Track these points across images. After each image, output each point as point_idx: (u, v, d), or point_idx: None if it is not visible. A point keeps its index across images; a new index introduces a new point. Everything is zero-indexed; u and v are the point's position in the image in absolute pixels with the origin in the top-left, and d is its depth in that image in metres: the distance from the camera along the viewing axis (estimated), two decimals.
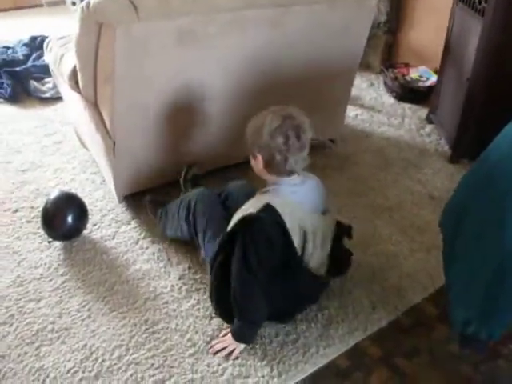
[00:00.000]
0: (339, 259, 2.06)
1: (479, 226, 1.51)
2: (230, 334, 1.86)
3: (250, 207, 1.82)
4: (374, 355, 1.91)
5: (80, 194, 2.48)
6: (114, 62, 2.04)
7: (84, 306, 2.05)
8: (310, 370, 1.84)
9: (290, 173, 1.85)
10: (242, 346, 1.86)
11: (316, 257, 1.91)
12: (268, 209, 1.76)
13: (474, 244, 1.54)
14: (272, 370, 1.81)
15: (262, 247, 1.75)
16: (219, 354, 1.85)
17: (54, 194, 2.33)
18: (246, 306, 1.81)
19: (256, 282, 1.77)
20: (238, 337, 1.85)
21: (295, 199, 1.84)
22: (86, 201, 2.43)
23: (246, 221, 1.77)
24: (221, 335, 1.91)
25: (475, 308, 1.55)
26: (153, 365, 1.83)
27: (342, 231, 2.05)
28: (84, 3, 2.00)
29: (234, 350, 1.85)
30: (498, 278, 1.46)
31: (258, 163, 1.87)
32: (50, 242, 2.34)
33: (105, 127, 2.31)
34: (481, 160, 1.61)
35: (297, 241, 1.82)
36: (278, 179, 1.87)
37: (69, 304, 2.06)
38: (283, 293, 1.88)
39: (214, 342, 1.89)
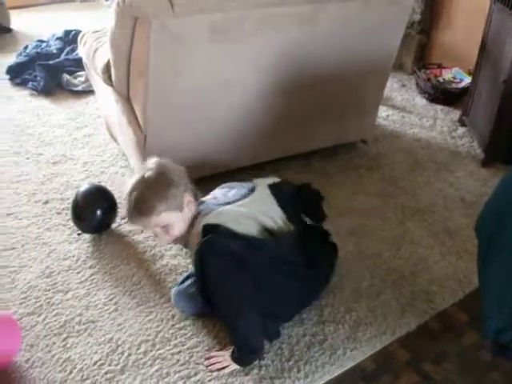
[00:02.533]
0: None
1: None
2: (228, 352, 1.81)
3: (192, 247, 1.82)
4: (402, 359, 1.88)
5: (109, 188, 2.48)
6: (148, 57, 2.05)
7: (111, 300, 2.06)
8: (336, 372, 1.81)
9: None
10: (236, 366, 1.79)
11: (279, 224, 1.91)
12: (207, 230, 1.75)
13: None
14: (299, 370, 1.79)
15: (230, 264, 1.68)
16: (211, 367, 1.79)
17: (84, 187, 2.34)
18: (244, 337, 1.77)
19: (248, 305, 1.73)
20: (236, 360, 1.78)
21: (221, 202, 1.91)
22: (115, 194, 2.44)
23: (199, 254, 1.71)
24: (220, 352, 1.84)
25: (511, 316, 1.51)
26: (178, 361, 1.82)
27: (280, 189, 2.01)
28: None
29: (226, 366, 1.79)
30: None
31: (191, 207, 1.90)
32: (79, 235, 2.35)
33: (136, 121, 2.32)
34: None
35: (257, 231, 1.83)
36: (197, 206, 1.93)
37: (96, 297, 2.07)
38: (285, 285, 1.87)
39: (212, 354, 1.83)
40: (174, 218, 1.85)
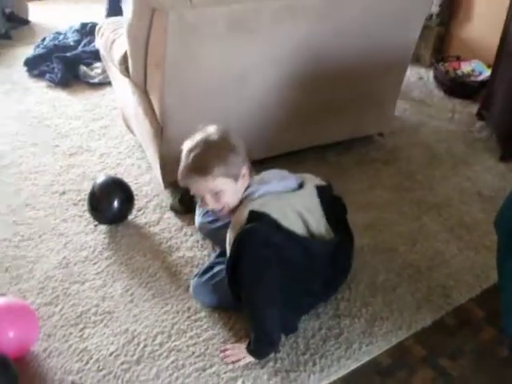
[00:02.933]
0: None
1: None
2: (243, 344, 1.81)
3: (233, 228, 1.76)
4: (418, 355, 1.87)
5: (125, 179, 2.49)
6: (165, 48, 2.04)
7: (127, 291, 2.07)
8: (352, 366, 1.81)
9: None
10: (252, 358, 1.79)
11: (320, 228, 1.88)
12: (253, 216, 1.70)
13: None
14: (314, 364, 1.79)
15: (269, 258, 1.67)
16: (227, 359, 1.80)
17: (100, 179, 2.35)
18: (265, 328, 1.76)
19: (275, 298, 1.72)
20: (252, 352, 1.78)
21: (271, 190, 1.83)
22: (132, 186, 2.45)
23: (240, 240, 1.68)
24: (236, 344, 1.84)
25: None
26: (194, 353, 1.83)
27: (325, 194, 1.97)
28: None
29: (242, 358, 1.79)
30: None
31: (245, 181, 1.85)
32: (95, 226, 2.37)
33: (153, 112, 2.32)
34: None
35: (300, 228, 1.80)
36: (247, 186, 1.86)
37: (112, 288, 2.08)
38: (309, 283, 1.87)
39: (227, 346, 1.84)
40: (229, 186, 1.78)
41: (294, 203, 1.81)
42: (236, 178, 1.79)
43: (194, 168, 1.77)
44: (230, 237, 1.77)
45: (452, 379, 1.79)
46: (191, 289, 2.02)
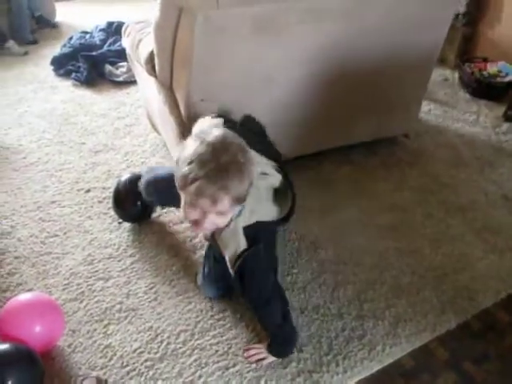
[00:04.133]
0: None
1: None
2: (265, 344, 1.81)
3: (229, 246, 1.63)
4: (441, 358, 1.86)
5: None
6: (191, 48, 2.05)
7: (151, 289, 2.08)
8: (375, 367, 1.80)
9: None
10: (274, 358, 1.81)
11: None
12: (249, 233, 1.61)
13: None
14: (337, 365, 1.79)
15: (270, 270, 1.73)
16: (250, 359, 1.81)
17: (125, 177, 2.37)
18: (282, 330, 1.79)
19: (284, 300, 1.78)
20: (271, 352, 1.80)
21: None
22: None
23: (246, 269, 1.61)
24: (258, 345, 1.85)
25: None
26: (217, 351, 1.84)
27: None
28: None
29: (264, 358, 1.81)
30: None
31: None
32: (119, 223, 2.39)
33: (178, 111, 2.33)
34: None
35: (274, 210, 1.68)
36: None
37: (136, 285, 2.10)
38: None
39: (250, 346, 1.85)
40: (234, 208, 1.52)
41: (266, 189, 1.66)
42: (242, 201, 1.53)
43: (212, 184, 1.42)
44: (227, 255, 1.63)
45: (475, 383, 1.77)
46: (200, 288, 2.07)
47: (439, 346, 1.90)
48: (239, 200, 1.49)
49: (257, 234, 1.61)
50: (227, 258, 1.63)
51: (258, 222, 1.62)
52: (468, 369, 1.82)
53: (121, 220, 2.39)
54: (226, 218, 1.54)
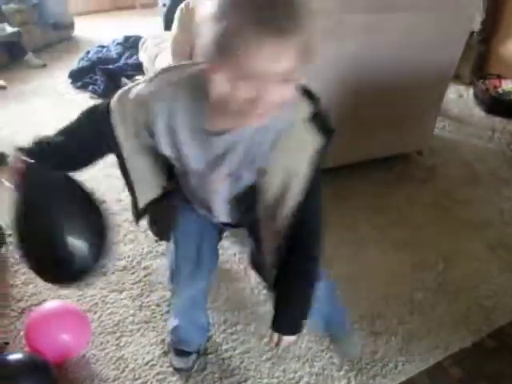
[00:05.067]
0: None
1: None
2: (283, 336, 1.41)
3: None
4: (455, 376, 1.84)
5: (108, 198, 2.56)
6: None
7: (164, 302, 2.08)
8: None
9: None
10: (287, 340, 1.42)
11: None
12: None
13: None
14: (349, 381, 1.78)
15: None
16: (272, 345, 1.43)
17: None
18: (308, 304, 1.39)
19: None
20: (295, 330, 1.42)
21: None
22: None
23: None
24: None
25: None
26: (229, 366, 1.83)
27: None
28: (183, 4, 2.04)
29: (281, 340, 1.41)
30: None
31: None
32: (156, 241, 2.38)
33: None
34: None
35: None
36: None
37: (149, 298, 2.10)
38: None
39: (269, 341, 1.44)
40: (300, 69, 0.99)
41: None
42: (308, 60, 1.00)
43: (276, 15, 0.90)
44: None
45: None
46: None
47: (453, 364, 1.87)
48: (307, 51, 0.97)
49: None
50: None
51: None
52: None
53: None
54: (291, 89, 1.02)
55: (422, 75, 2.64)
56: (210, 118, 1.13)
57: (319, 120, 1.17)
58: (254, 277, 2.16)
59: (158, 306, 2.06)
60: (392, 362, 1.85)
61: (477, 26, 3.96)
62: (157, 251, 2.32)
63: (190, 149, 1.21)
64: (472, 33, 3.96)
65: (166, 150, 1.24)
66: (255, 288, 2.13)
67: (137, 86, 1.22)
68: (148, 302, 2.08)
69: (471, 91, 3.90)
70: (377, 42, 2.37)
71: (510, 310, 2.09)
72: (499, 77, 3.85)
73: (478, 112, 3.69)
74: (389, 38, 2.38)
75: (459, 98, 3.90)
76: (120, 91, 1.26)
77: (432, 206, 2.68)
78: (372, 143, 2.79)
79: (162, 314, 2.02)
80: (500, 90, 3.73)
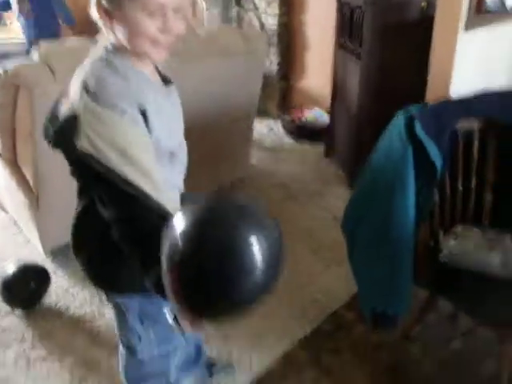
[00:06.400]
0: None
1: (373, 225, 1.79)
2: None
3: None
4: (302, 358, 2.11)
5: (4, 256, 2.57)
6: (33, 122, 2.17)
7: (21, 356, 2.11)
8: (247, 378, 2.01)
9: None
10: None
11: None
12: None
13: (371, 240, 1.82)
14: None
15: None
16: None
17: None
18: None
19: None
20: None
21: None
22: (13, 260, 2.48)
23: None
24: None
25: (378, 288, 1.81)
26: None
27: None
28: (1, 69, 2.15)
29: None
30: (391, 264, 1.74)
31: None
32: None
33: (27, 183, 2.42)
34: (366, 167, 1.90)
35: None
36: None
37: (4, 355, 2.12)
38: None
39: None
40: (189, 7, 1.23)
41: None
42: None
43: None
44: None
45: (335, 373, 2.04)
46: None
47: (299, 349, 2.15)
48: None
49: None
50: None
51: None
52: (327, 362, 2.09)
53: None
54: (184, 24, 1.22)
55: (229, 114, 2.96)
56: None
57: None
58: (107, 312, 2.25)
59: (15, 361, 2.08)
60: (247, 357, 2.08)
61: (275, 67, 4.47)
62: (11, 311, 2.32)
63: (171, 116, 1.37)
64: (272, 73, 4.45)
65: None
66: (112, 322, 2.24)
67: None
68: (4, 361, 2.09)
69: (279, 123, 4.37)
70: (184, 88, 2.62)
71: (338, 297, 2.42)
72: (301, 108, 4.37)
73: (288, 140, 4.16)
74: (192, 84, 2.64)
75: (270, 130, 4.34)
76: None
77: None
78: (200, 178, 3.02)
79: (20, 368, 2.05)
80: (304, 119, 4.23)
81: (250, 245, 0.94)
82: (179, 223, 0.96)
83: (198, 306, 1.00)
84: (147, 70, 1.27)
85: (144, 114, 1.17)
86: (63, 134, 1.16)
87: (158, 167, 1.20)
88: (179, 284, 0.97)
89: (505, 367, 1.64)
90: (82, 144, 1.10)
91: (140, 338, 1.46)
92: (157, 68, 1.35)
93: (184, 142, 1.46)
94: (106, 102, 1.11)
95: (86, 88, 1.14)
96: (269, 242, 0.97)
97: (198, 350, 1.84)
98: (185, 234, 0.94)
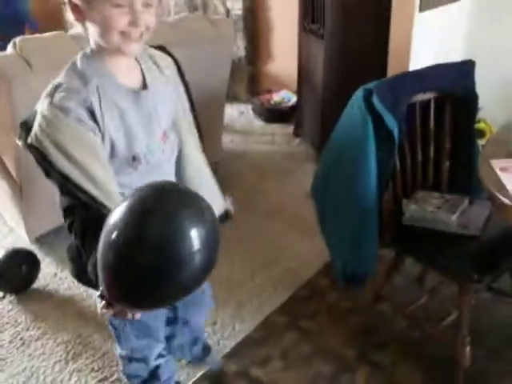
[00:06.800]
0: None
1: (340, 190, 1.93)
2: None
3: None
4: (282, 323, 2.26)
5: None
6: (12, 113, 2.24)
7: (16, 337, 2.22)
8: (231, 345, 2.15)
9: None
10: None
11: None
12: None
13: (338, 208, 1.97)
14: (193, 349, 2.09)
15: None
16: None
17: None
18: None
19: None
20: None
21: None
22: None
23: None
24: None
25: (347, 252, 1.96)
26: (93, 369, 2.05)
27: None
28: None
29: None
30: (357, 229, 1.89)
31: None
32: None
33: (9, 174, 2.51)
34: (330, 140, 2.05)
35: None
36: None
37: (0, 338, 2.22)
38: None
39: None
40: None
41: None
42: None
43: None
44: None
45: (313, 334, 2.19)
46: None
47: (278, 315, 2.30)
48: None
49: None
50: None
51: None
52: (304, 325, 2.24)
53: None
54: (154, 16, 1.27)
55: (200, 101, 3.01)
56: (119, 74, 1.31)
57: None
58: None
59: (10, 342, 2.19)
60: (230, 326, 2.22)
61: (242, 52, 4.57)
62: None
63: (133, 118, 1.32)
64: (240, 58, 4.56)
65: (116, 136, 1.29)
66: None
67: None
68: (0, 342, 2.19)
69: (250, 107, 4.48)
70: None
71: (312, 265, 2.57)
72: (269, 91, 4.49)
73: (258, 123, 4.28)
74: None
75: (241, 114, 4.46)
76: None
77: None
78: None
79: (17, 348, 2.16)
80: (272, 102, 4.36)
81: (185, 233, 0.97)
82: (113, 217, 1.01)
83: (133, 301, 1.06)
84: (120, 73, 1.31)
85: (93, 113, 1.22)
86: (26, 128, 1.24)
87: (110, 168, 1.28)
88: (113, 281, 1.02)
89: (464, 314, 1.81)
90: (31, 139, 1.20)
91: (116, 330, 1.59)
92: (142, 70, 1.39)
93: (167, 149, 1.46)
94: (56, 102, 1.21)
95: (47, 91, 1.25)
96: (206, 228, 1.00)
97: (195, 340, 1.98)
98: (116, 227, 0.99)
